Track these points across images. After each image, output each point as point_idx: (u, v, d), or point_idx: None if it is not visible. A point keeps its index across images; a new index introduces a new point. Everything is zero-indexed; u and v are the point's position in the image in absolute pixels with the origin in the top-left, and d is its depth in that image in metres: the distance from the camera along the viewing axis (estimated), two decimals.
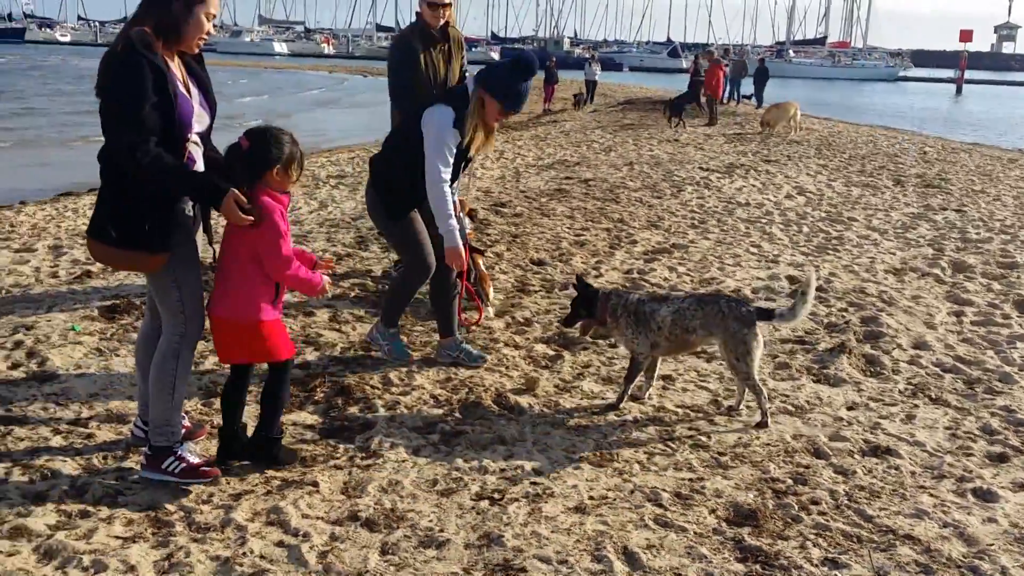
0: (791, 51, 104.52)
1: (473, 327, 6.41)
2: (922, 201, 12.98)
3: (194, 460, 4.10)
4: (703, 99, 27.31)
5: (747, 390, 5.12)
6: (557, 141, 20.60)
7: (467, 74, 6.36)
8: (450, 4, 6.53)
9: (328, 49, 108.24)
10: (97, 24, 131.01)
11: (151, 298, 4.18)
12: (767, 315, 5.05)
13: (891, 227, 10.91)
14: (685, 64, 40.83)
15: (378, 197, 5.50)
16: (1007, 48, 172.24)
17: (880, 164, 17.35)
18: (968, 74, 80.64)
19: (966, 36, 73.18)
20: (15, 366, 5.34)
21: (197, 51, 3.94)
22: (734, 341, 4.92)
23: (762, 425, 4.99)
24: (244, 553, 3.57)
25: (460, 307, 5.98)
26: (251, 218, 3.80)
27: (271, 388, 4.25)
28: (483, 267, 6.91)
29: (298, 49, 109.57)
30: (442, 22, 6.55)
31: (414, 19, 6.78)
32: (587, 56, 48.11)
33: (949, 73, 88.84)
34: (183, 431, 4.19)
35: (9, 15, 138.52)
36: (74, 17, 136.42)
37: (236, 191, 3.76)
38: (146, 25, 3.69)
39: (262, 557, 3.56)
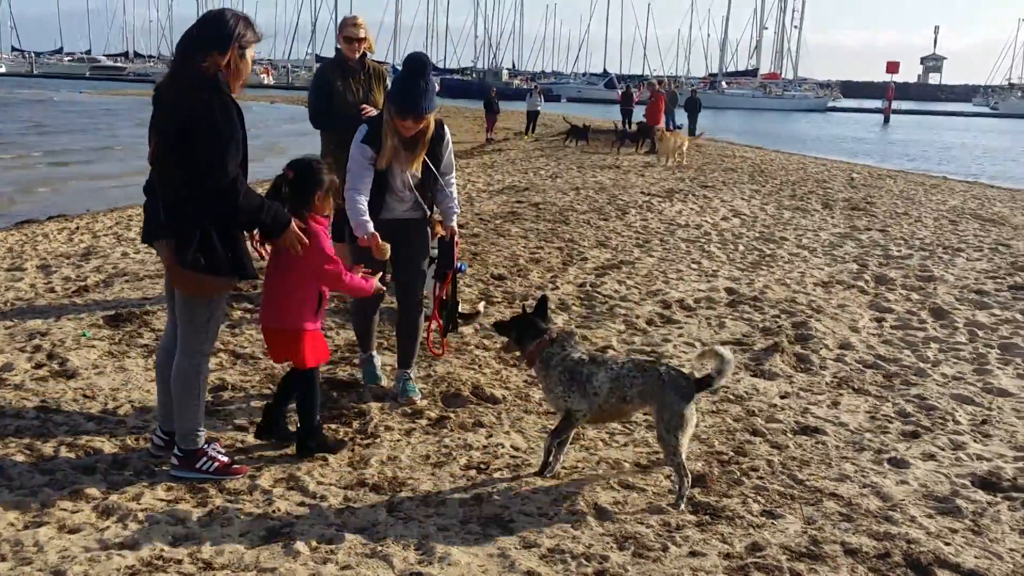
0: (724, 82, 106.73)
1: (437, 354, 6.60)
2: (848, 223, 13.93)
3: (224, 458, 4.59)
4: (632, 127, 28.57)
5: (671, 470, 4.64)
6: (504, 168, 21.37)
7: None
8: (365, 39, 7.12)
9: (268, 79, 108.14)
10: (32, 55, 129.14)
11: (172, 313, 4.64)
12: (707, 384, 4.54)
13: (819, 245, 11.80)
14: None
15: None
16: (933, 79, 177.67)
17: (810, 189, 18.38)
18: (896, 104, 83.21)
19: (892, 68, 76.01)
20: (39, 366, 5.89)
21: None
22: (669, 412, 4.46)
23: (674, 506, 4.45)
24: (273, 511, 4.18)
25: (429, 339, 6.26)
26: (306, 242, 4.43)
27: (300, 390, 4.86)
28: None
29: None
30: (358, 55, 7.13)
31: (335, 52, 7.45)
32: (529, 87, 49.02)
33: (877, 103, 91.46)
34: (219, 465, 4.52)
35: None
36: (8, 48, 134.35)
37: (296, 220, 4.39)
38: (210, 66, 4.15)
39: (288, 513, 4.17)
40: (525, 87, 72.07)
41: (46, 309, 7.32)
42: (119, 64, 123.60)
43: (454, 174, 5.77)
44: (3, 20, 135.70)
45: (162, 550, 3.79)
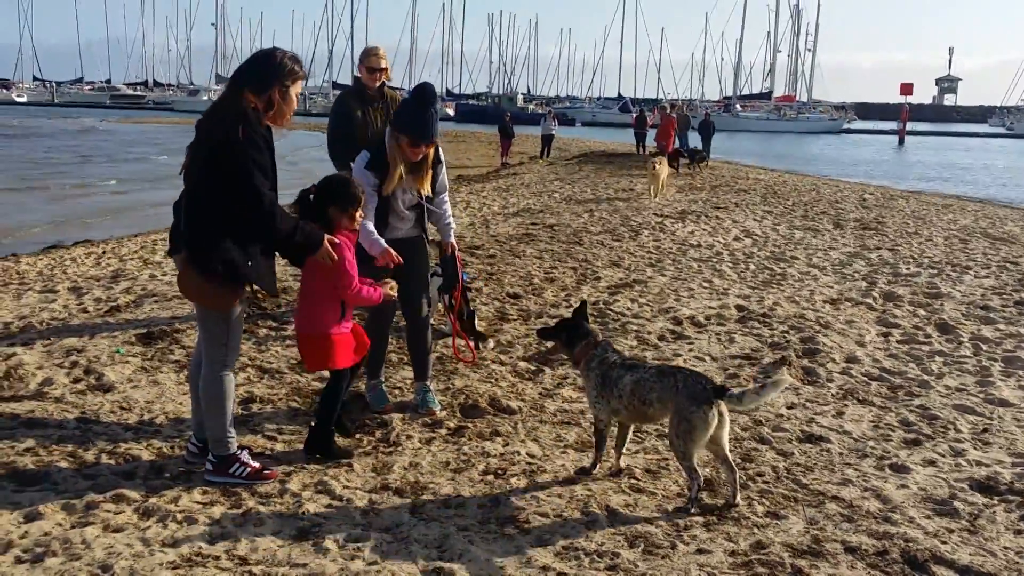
0: (738, 105, 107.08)
1: (468, 364, 7.01)
2: (859, 242, 14.15)
3: (256, 464, 4.86)
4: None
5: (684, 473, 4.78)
6: (519, 192, 21.68)
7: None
8: (386, 69, 7.42)
9: None
10: (53, 84, 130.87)
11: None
12: (719, 392, 4.64)
13: (830, 264, 12.02)
14: None
15: None
16: (948, 100, 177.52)
17: (821, 210, 18.60)
18: (910, 125, 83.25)
19: (907, 89, 76.12)
20: (77, 380, 6.19)
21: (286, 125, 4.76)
22: (678, 417, 4.62)
23: (683, 510, 4.64)
24: (303, 512, 4.43)
25: (455, 347, 6.70)
26: (335, 256, 4.72)
27: (327, 389, 5.16)
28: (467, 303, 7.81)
29: None
30: (378, 84, 7.41)
31: (354, 80, 7.72)
32: (543, 112, 49.44)
33: (892, 125, 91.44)
34: (251, 470, 4.80)
35: None
36: (29, 77, 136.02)
37: (329, 237, 4.69)
38: (251, 98, 4.50)
39: (316, 515, 4.42)
40: (540, 112, 72.42)
41: (80, 328, 7.62)
42: (139, 92, 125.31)
43: (447, 193, 6.06)
44: (24, 50, 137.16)
45: (200, 547, 4.05)
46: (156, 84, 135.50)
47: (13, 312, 8.25)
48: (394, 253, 5.48)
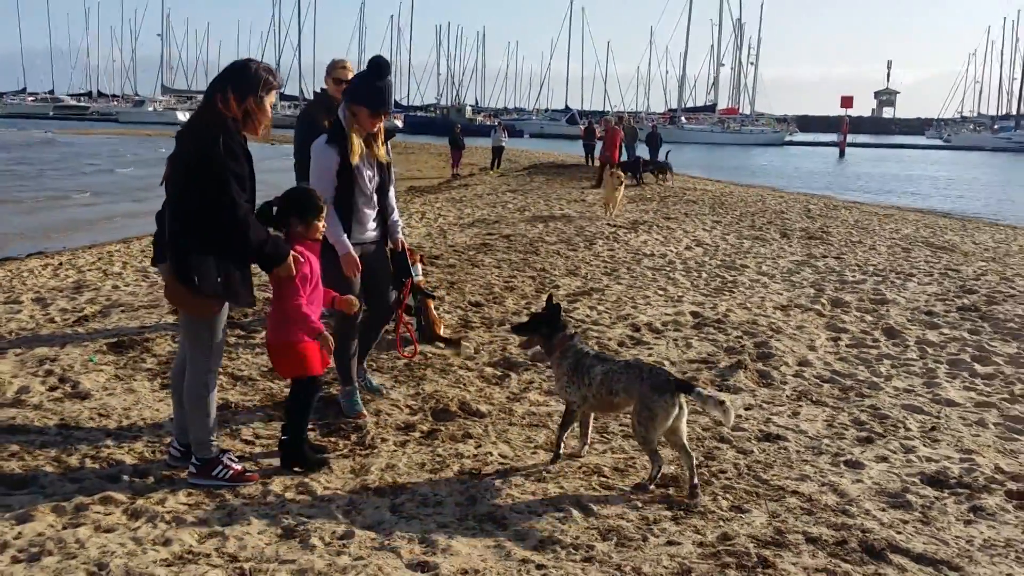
0: (683, 118, 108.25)
1: (411, 359, 7.26)
2: (806, 251, 14.56)
3: (238, 466, 4.99)
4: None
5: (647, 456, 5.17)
6: (473, 203, 21.87)
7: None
8: None
9: None
10: None
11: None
12: (686, 388, 5.01)
13: (778, 272, 12.38)
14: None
15: None
16: (887, 112, 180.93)
17: (768, 220, 19.06)
18: (851, 137, 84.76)
19: (847, 102, 77.32)
20: (53, 388, 6.27)
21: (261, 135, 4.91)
22: (641, 404, 4.97)
23: (642, 487, 5.05)
24: (287, 512, 4.58)
25: (398, 340, 6.84)
26: (293, 272, 4.86)
27: (292, 399, 5.25)
28: (434, 311, 8.00)
29: None
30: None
31: (319, 92, 7.86)
32: (492, 123, 49.76)
33: (833, 137, 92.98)
34: (234, 472, 4.93)
35: None
36: None
37: (294, 252, 4.83)
38: (226, 110, 4.63)
39: (300, 514, 4.57)
40: (488, 123, 72.69)
41: (50, 338, 7.67)
42: (82, 103, 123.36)
43: (394, 190, 6.32)
44: None
45: (191, 546, 4.18)
46: (100, 95, 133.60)
47: None
48: (356, 262, 5.72)
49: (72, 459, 5.10)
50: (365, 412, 6.12)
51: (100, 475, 4.92)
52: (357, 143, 5.75)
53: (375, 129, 5.84)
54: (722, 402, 4.98)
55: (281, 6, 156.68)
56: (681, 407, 4.99)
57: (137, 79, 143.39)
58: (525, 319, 5.91)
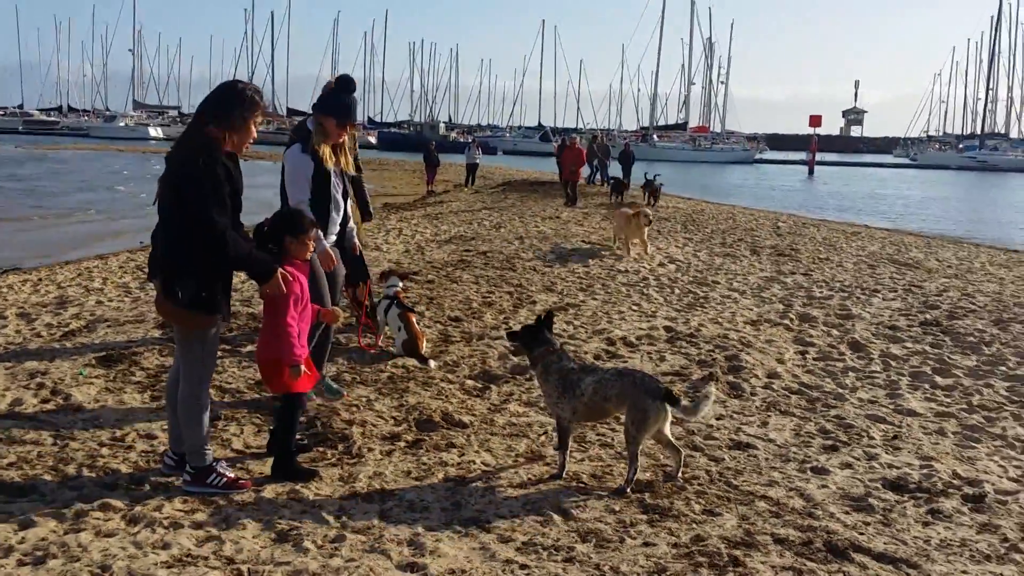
0: (655, 135, 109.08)
1: (371, 350, 7.84)
2: (775, 267, 14.91)
3: (231, 474, 5.20)
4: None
5: (628, 457, 5.48)
6: (449, 219, 22.12)
7: (360, 163, 8.23)
8: None
9: None
10: None
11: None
12: (673, 400, 5.41)
13: (749, 288, 12.70)
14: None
15: None
16: (855, 131, 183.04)
17: (739, 237, 19.44)
18: (819, 156, 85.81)
19: (815, 121, 78.63)
20: (45, 400, 6.43)
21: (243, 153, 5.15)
22: (635, 408, 5.34)
23: (620, 491, 5.35)
24: (279, 517, 4.78)
25: (360, 333, 7.33)
26: (284, 290, 5.06)
27: (280, 413, 5.47)
28: (416, 326, 8.22)
29: (173, 133, 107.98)
30: None
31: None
32: (465, 140, 50.06)
33: (802, 155, 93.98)
34: (227, 480, 5.13)
35: None
36: None
37: (282, 272, 5.05)
38: (213, 129, 4.86)
39: (292, 519, 4.77)
40: (462, 140, 72.92)
41: (39, 352, 7.83)
42: (52, 118, 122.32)
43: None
44: None
45: (189, 549, 4.37)
46: (71, 109, 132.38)
47: None
48: (332, 256, 6.27)
49: (69, 468, 5.28)
50: (345, 391, 6.62)
51: (97, 483, 5.10)
52: (327, 151, 6.26)
53: (341, 139, 6.36)
54: (708, 396, 5.61)
55: (254, 22, 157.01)
56: (667, 412, 5.43)
57: (108, 94, 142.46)
58: (518, 328, 6.28)
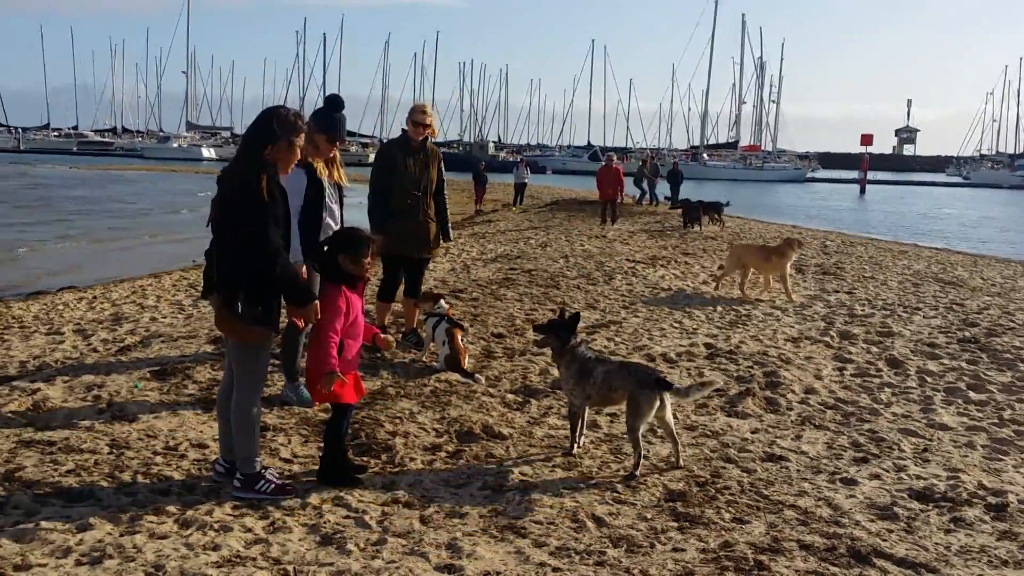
0: (705, 154, 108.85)
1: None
2: (819, 285, 14.95)
3: (279, 481, 5.46)
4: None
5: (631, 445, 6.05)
6: (496, 238, 22.42)
7: (444, 179, 8.44)
8: (431, 125, 8.24)
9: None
10: (19, 131, 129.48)
11: (229, 359, 5.59)
12: (667, 385, 5.98)
13: (791, 306, 12.77)
14: None
15: None
16: (908, 150, 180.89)
17: None
18: (871, 175, 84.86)
19: (867, 140, 77.65)
20: (101, 412, 6.75)
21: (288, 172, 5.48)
22: (631, 399, 5.92)
23: (630, 477, 5.86)
24: (324, 522, 5.02)
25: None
26: (317, 317, 5.34)
27: (330, 423, 5.73)
28: (460, 341, 8.44)
29: (226, 154, 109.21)
30: (422, 137, 8.30)
31: (400, 133, 8.58)
32: (515, 159, 50.39)
33: (854, 174, 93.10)
34: (275, 487, 5.40)
35: None
36: None
37: (317, 300, 5.34)
38: (265, 155, 5.16)
39: (336, 524, 5.01)
40: (511, 160, 73.34)
41: (95, 366, 8.18)
42: (106, 139, 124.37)
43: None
44: None
45: (238, 551, 4.62)
46: (125, 130, 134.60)
47: (25, 352, 8.81)
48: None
49: (124, 475, 5.57)
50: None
51: (151, 489, 5.38)
52: (320, 165, 6.84)
53: (331, 154, 6.94)
54: (703, 383, 6.45)
55: (306, 44, 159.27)
56: (663, 401, 5.96)
57: (162, 115, 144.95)
58: (544, 321, 6.87)
